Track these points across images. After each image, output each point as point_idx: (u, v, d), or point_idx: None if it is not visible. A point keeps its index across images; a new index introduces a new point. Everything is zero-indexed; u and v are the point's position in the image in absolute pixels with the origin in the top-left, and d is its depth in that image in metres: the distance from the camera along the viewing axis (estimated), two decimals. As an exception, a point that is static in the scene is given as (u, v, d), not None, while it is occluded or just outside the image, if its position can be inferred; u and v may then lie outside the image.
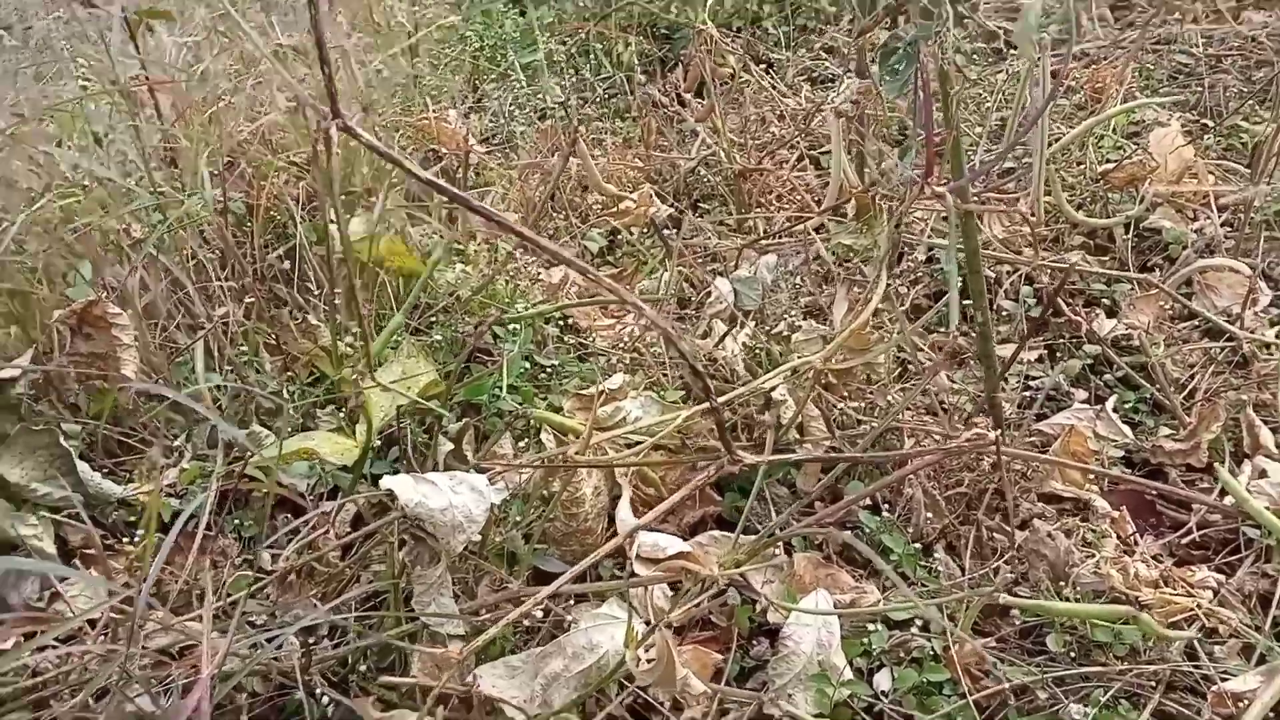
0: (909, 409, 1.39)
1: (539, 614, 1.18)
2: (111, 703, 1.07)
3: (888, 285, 1.24)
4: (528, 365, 1.49)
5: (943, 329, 1.72)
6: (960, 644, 1.21)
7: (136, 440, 1.52)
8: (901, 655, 1.25)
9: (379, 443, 1.34)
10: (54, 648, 1.24)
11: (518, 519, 1.23)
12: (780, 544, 1.36)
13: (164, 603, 1.25)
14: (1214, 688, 1.12)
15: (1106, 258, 1.90)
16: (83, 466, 1.39)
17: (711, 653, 1.15)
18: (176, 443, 1.50)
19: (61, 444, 1.40)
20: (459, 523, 1.08)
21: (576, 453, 1.16)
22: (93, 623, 1.24)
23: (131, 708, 1.08)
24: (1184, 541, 1.36)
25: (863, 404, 1.44)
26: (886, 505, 1.40)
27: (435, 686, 1.12)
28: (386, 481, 1.08)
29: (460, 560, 1.22)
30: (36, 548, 1.32)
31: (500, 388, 1.40)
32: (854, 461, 1.36)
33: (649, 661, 1.00)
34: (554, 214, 2.07)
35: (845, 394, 1.39)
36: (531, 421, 1.40)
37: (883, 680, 1.23)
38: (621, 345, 1.55)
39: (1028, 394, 1.62)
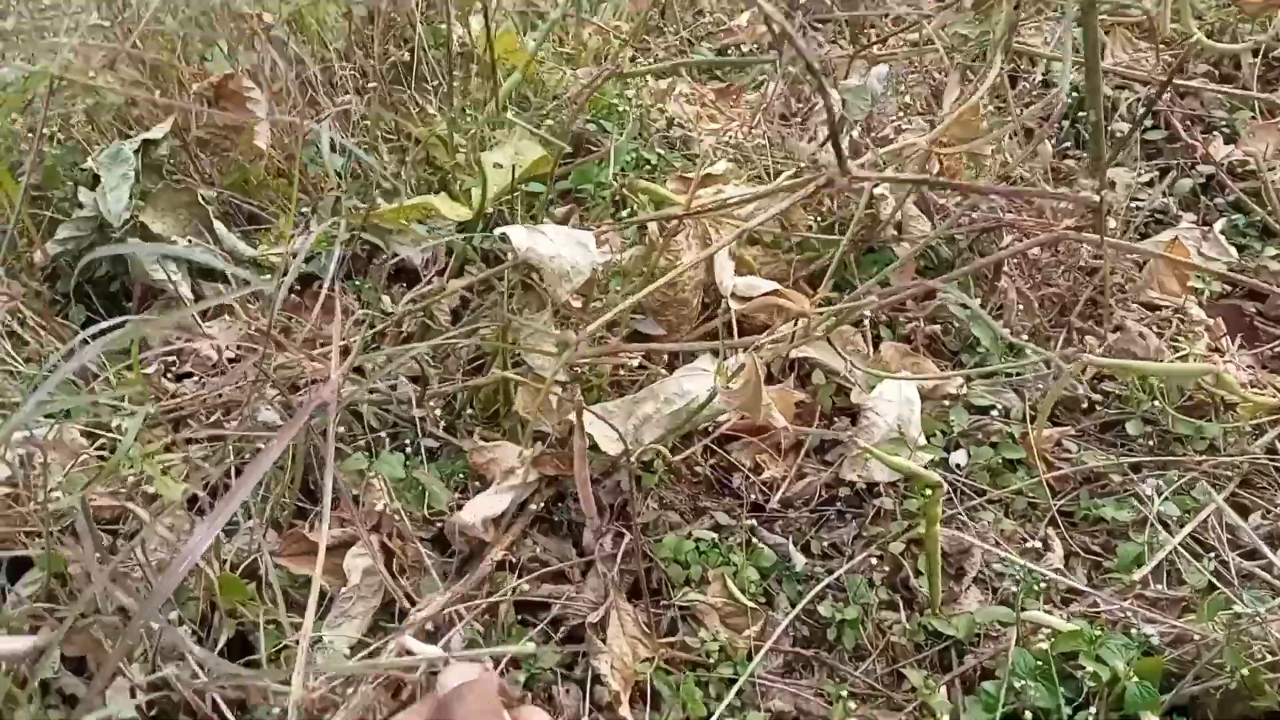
0: (1009, 210, 1.40)
1: (634, 367, 1.25)
2: (244, 414, 1.18)
3: (999, 77, 1.23)
4: (632, 156, 1.53)
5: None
6: (1039, 429, 1.24)
7: (267, 211, 1.62)
8: (980, 437, 1.29)
9: (490, 213, 1.41)
10: (192, 376, 1.38)
11: (617, 289, 1.29)
12: (868, 336, 1.40)
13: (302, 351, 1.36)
14: (1291, 476, 1.14)
15: (1232, 86, 1.83)
16: (219, 225, 1.50)
17: (795, 393, 1.20)
18: (304, 213, 1.60)
19: (200, 203, 1.51)
20: (565, 271, 1.15)
21: (677, 220, 1.20)
22: (231, 362, 1.37)
23: (261, 417, 1.20)
24: (1277, 353, 1.35)
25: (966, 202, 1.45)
26: (980, 303, 1.42)
27: (533, 421, 1.21)
28: (503, 230, 1.15)
29: (562, 321, 1.30)
30: (178, 293, 1.44)
31: (606, 174, 1.45)
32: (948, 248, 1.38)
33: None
34: (664, 29, 2.08)
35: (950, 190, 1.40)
36: (633, 206, 1.45)
37: (959, 458, 1.28)
38: (727, 142, 1.58)
39: (1134, 212, 1.60)
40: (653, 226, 1.25)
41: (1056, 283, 1.43)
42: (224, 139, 1.62)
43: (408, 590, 1.08)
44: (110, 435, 1.15)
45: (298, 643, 0.90)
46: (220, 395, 1.30)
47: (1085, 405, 1.32)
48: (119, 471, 0.96)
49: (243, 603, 1.03)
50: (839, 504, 1.27)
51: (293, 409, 1.23)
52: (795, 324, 1.07)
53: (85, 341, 1.00)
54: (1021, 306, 1.34)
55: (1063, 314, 1.42)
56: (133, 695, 0.94)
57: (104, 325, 1.02)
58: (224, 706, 0.91)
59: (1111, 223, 1.51)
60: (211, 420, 1.27)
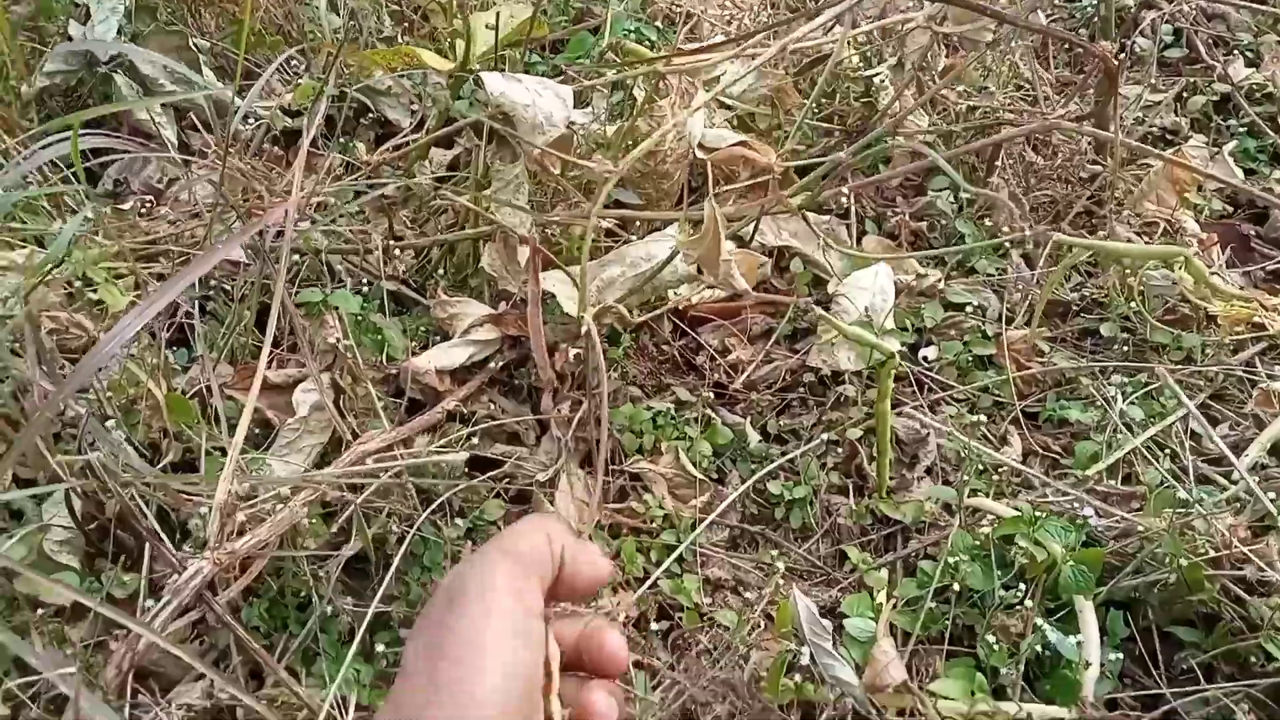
0: (1010, 110, 1.36)
1: (606, 236, 1.23)
2: (210, 244, 1.18)
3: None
4: (632, 30, 1.50)
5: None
6: (1034, 328, 1.22)
7: (261, 69, 1.61)
8: (953, 334, 1.27)
9: (477, 68, 1.38)
10: (167, 221, 1.37)
11: (594, 144, 1.27)
12: (852, 229, 1.37)
13: (270, 195, 1.35)
14: (1261, 385, 1.11)
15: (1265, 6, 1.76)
16: (209, 74, 1.49)
17: (759, 257, 1.18)
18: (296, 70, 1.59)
19: (191, 49, 1.49)
20: (539, 122, 1.12)
21: (661, 80, 1.17)
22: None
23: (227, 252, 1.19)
24: (1270, 271, 1.32)
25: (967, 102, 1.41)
26: (970, 204, 1.39)
27: (499, 278, 1.20)
28: (478, 73, 1.12)
29: (538, 184, 1.28)
30: (162, 136, 1.43)
31: (602, 44, 1.42)
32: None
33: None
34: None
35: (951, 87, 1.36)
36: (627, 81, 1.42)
37: (929, 352, 1.26)
38: (728, 22, 1.54)
39: (1143, 128, 1.55)
40: (638, 93, 1.22)
41: (1051, 190, 1.39)
42: (222, -8, 1.60)
43: (354, 428, 1.07)
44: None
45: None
46: (192, 236, 1.30)
47: (1062, 310, 1.29)
48: (61, 276, 0.96)
49: (190, 426, 1.04)
50: (802, 390, 1.25)
51: (258, 249, 1.22)
52: (766, 188, 1.04)
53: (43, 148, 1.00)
54: (1012, 207, 1.30)
55: (1055, 221, 1.38)
56: (69, 504, 0.95)
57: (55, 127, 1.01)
58: (151, 516, 0.91)
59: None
60: (180, 259, 1.27)
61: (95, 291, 0.99)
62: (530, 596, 0.47)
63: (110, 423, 0.95)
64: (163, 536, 0.89)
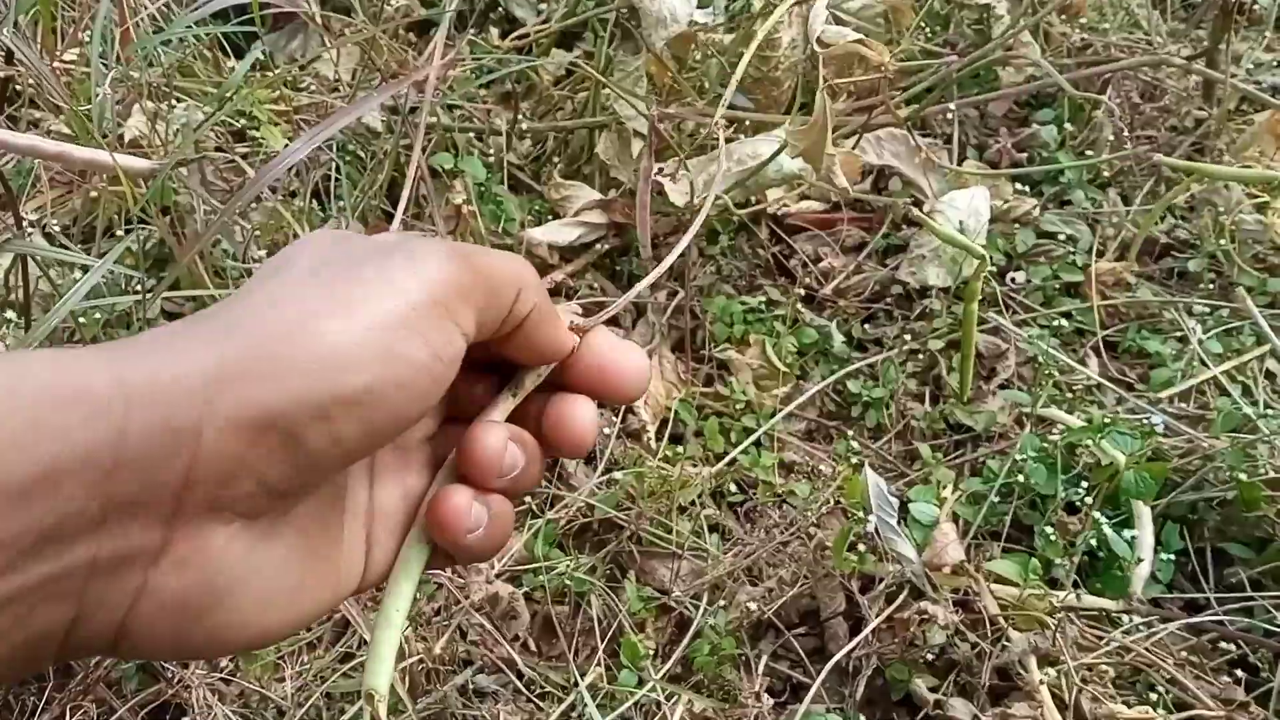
0: (1121, 50, 1.38)
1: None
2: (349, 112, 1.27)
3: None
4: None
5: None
6: (1130, 255, 1.25)
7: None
8: (1042, 260, 1.31)
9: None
10: (309, 91, 1.47)
11: (711, 55, 1.32)
12: (953, 154, 1.41)
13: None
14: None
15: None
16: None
17: (860, 158, 1.22)
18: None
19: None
20: (663, 16, 1.18)
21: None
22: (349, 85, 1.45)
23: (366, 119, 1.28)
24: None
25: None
26: (1073, 138, 1.41)
27: (614, 168, 1.27)
28: (609, -35, 1.18)
29: (652, 84, 1.34)
30: (305, 16, 1.52)
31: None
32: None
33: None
34: None
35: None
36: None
37: (1017, 276, 1.30)
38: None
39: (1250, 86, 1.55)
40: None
41: (1155, 135, 1.41)
42: None
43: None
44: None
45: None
46: (332, 107, 1.39)
47: (1152, 249, 1.32)
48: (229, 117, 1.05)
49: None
50: (888, 301, 1.31)
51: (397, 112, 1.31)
52: (876, 89, 1.09)
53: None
54: (1115, 137, 1.32)
55: (1154, 168, 1.40)
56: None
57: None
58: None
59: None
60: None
61: (257, 131, 1.08)
62: (461, 315, 0.36)
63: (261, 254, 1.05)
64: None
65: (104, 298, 0.97)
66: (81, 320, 0.98)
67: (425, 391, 0.35)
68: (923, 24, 1.48)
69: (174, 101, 1.13)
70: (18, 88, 1.18)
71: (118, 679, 0.84)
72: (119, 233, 1.09)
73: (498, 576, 0.96)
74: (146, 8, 1.33)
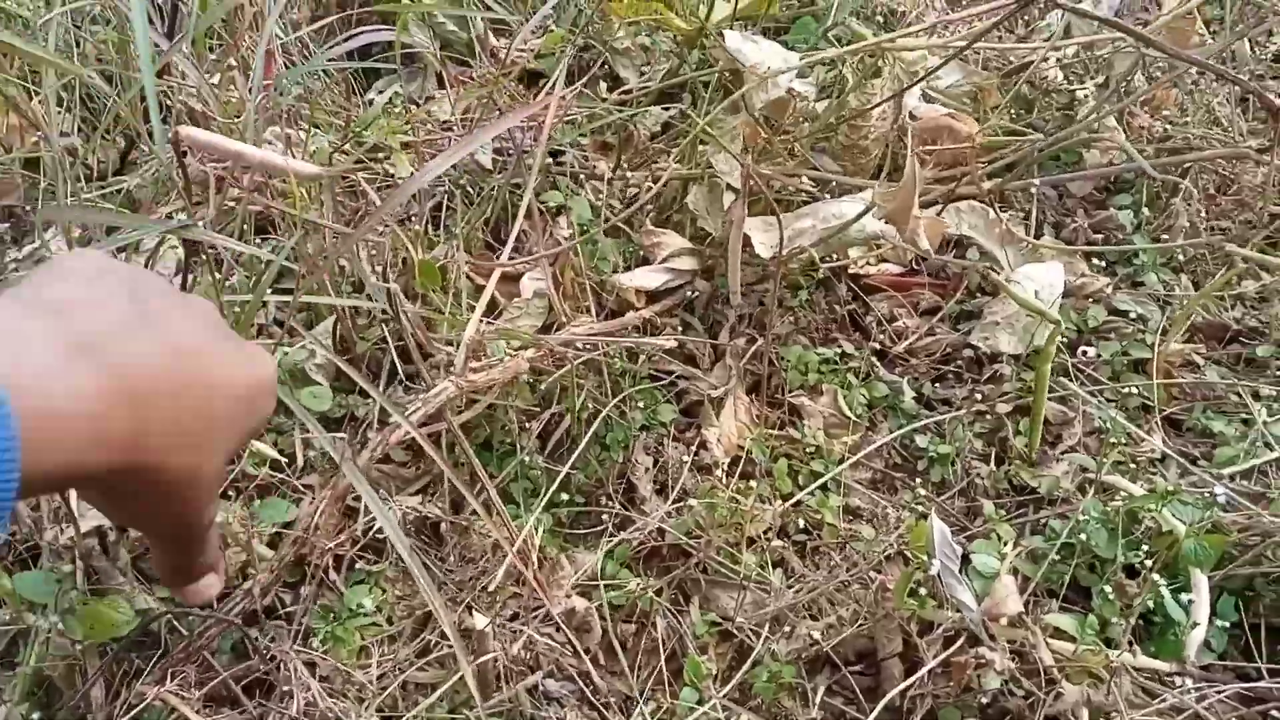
0: (1202, 141, 1.43)
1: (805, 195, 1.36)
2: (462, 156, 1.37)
3: None
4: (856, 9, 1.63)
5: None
6: (1167, 342, 1.29)
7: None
8: (1112, 337, 1.35)
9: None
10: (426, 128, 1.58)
11: (803, 121, 1.40)
12: (1030, 229, 1.46)
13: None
14: None
15: None
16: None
17: (945, 224, 1.28)
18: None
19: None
20: (765, 82, 1.27)
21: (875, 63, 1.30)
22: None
23: (478, 157, 1.38)
24: None
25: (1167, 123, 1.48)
26: (1148, 223, 1.46)
27: (702, 219, 1.34)
28: (721, 29, 1.27)
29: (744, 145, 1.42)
30: (426, 57, 1.63)
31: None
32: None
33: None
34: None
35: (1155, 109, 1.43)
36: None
37: (1090, 351, 1.34)
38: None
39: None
40: (849, 74, 1.35)
41: (1230, 226, 1.45)
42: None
43: (568, 314, 1.24)
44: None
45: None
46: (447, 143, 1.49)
47: (1221, 334, 1.35)
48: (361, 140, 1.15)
49: (433, 290, 1.22)
50: (959, 364, 1.35)
51: (505, 155, 1.40)
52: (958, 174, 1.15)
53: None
54: (1188, 228, 1.37)
55: (1227, 257, 1.44)
56: (335, 331, 1.14)
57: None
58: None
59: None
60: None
61: (379, 159, 1.18)
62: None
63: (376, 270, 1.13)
64: (415, 360, 1.07)
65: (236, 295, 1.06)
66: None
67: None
68: (1008, 107, 1.54)
69: (311, 127, 1.23)
70: (168, 103, 1.30)
71: (214, 650, 0.90)
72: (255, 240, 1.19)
73: (574, 590, 1.02)
74: (281, 38, 1.45)
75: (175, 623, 0.90)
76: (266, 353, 0.57)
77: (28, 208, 1.17)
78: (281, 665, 0.91)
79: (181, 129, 0.84)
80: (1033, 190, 1.40)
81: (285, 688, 0.89)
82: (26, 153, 1.24)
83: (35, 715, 0.83)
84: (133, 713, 0.80)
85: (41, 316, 0.43)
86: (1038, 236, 1.47)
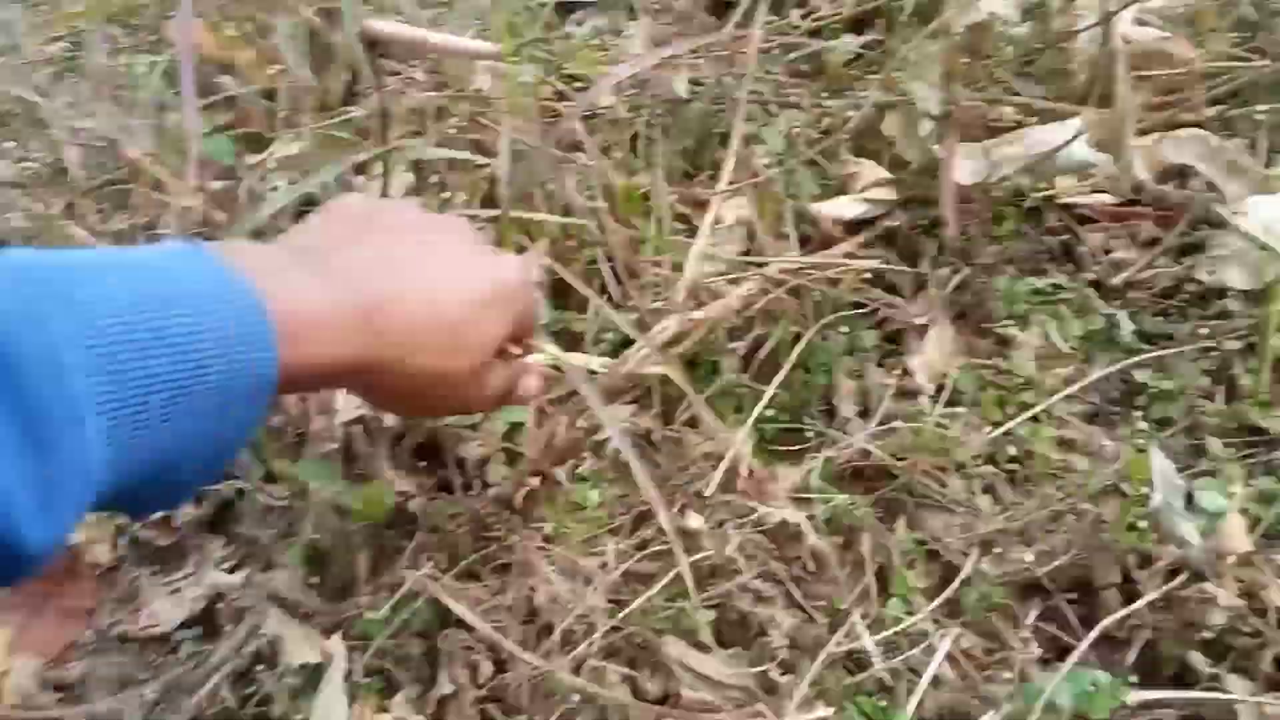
0: None
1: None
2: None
3: None
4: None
5: None
6: None
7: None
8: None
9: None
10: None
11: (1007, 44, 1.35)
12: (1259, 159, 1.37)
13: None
14: None
15: None
16: None
17: (1161, 153, 1.21)
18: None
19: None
20: (966, 4, 1.23)
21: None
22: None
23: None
24: None
25: None
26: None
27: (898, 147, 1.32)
28: None
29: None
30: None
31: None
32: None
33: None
34: None
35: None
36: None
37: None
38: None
39: None
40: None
41: None
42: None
43: (767, 244, 1.24)
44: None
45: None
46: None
47: None
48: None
49: (634, 215, 1.24)
50: (1182, 299, 1.28)
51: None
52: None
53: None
54: None
55: None
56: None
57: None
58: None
59: None
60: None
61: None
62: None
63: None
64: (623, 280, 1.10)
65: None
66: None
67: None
68: (1230, 30, 1.45)
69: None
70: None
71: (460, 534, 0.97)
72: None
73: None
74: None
75: (426, 507, 0.96)
76: (514, 258, 0.63)
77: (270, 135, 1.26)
78: (519, 549, 0.95)
79: (366, 21, 0.87)
80: (1258, 118, 1.31)
81: (522, 571, 0.94)
82: (264, 86, 1.34)
83: (314, 579, 0.92)
84: (397, 594, 0.87)
85: (299, 254, 0.54)
86: (1267, 165, 1.37)
